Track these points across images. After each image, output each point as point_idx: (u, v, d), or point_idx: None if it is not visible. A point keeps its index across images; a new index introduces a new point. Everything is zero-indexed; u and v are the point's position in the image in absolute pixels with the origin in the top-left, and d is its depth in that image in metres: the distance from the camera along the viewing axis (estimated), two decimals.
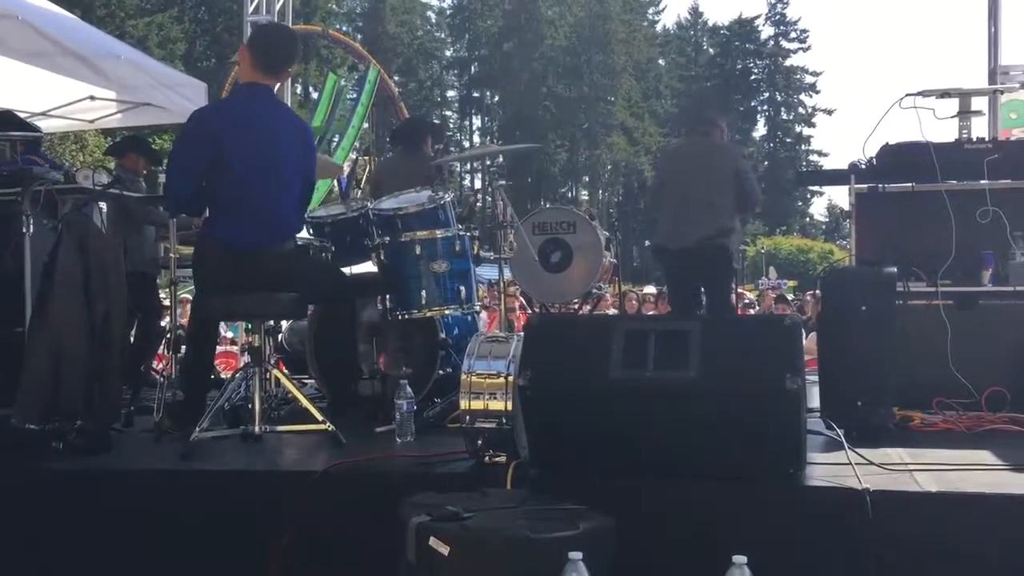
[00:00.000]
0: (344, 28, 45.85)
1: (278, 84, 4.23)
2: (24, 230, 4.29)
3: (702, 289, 6.24)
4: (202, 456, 3.66)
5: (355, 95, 27.52)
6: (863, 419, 3.77)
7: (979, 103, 4.70)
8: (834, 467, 3.19)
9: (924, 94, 4.50)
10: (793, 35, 55.01)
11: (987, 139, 4.51)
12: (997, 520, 2.83)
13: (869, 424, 3.75)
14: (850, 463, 3.16)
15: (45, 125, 6.94)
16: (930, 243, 4.37)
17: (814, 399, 4.08)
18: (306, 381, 5.20)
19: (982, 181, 4.38)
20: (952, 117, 4.57)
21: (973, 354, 4.28)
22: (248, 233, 3.98)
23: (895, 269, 4.08)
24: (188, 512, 3.29)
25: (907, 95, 4.48)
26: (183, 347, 4.56)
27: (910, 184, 4.58)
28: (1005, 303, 4.37)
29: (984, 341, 4.32)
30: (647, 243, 52.69)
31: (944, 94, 4.54)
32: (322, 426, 3.87)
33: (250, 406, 4.04)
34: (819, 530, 2.90)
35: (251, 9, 8.46)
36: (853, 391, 3.84)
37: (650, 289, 18.39)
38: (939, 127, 4.56)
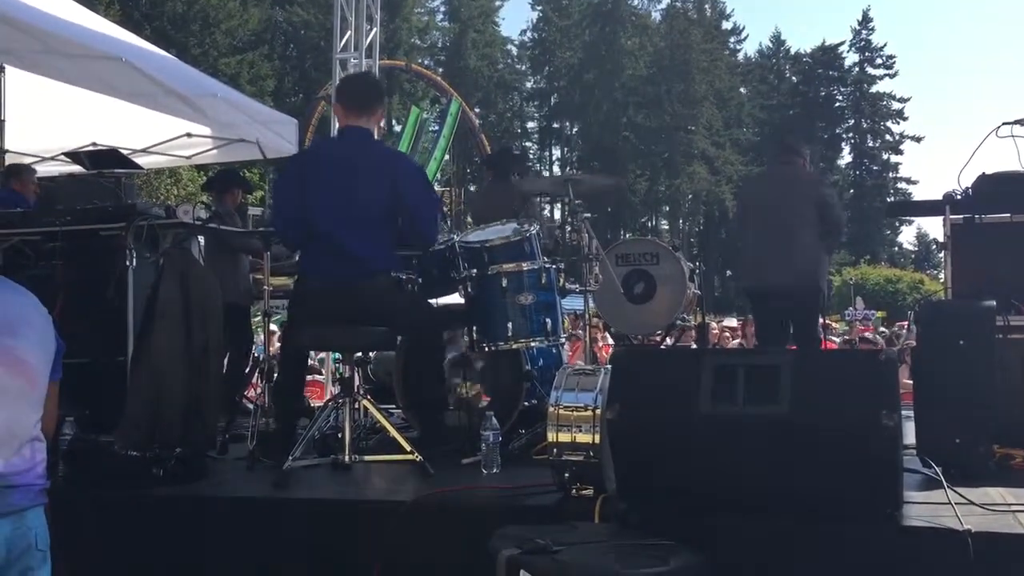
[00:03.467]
0: (426, 62, 46.70)
1: (373, 125, 4.35)
2: (127, 263, 4.47)
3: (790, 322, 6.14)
4: (294, 484, 3.74)
5: (437, 127, 28.03)
6: (961, 457, 3.65)
7: None
8: (933, 507, 3.10)
9: (1022, 123, 4.39)
10: (879, 61, 54.11)
11: None
12: None
13: (968, 462, 3.62)
14: (950, 503, 3.06)
15: (144, 161, 7.26)
16: None
17: (909, 436, 3.97)
18: (393, 412, 5.27)
19: None
20: None
21: None
22: (327, 269, 4.12)
23: (994, 302, 3.96)
24: (280, 539, 3.37)
25: (1004, 123, 4.40)
26: (275, 376, 4.67)
27: (1008, 215, 4.46)
28: None
29: None
30: (728, 273, 52.13)
31: None
32: (410, 456, 3.92)
33: (340, 435, 4.12)
34: (919, 573, 2.82)
35: (340, 46, 8.67)
36: (951, 427, 3.72)
37: (730, 322, 18.15)
38: None
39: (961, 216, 4.52)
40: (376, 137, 4.63)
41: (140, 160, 6.86)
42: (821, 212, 5.93)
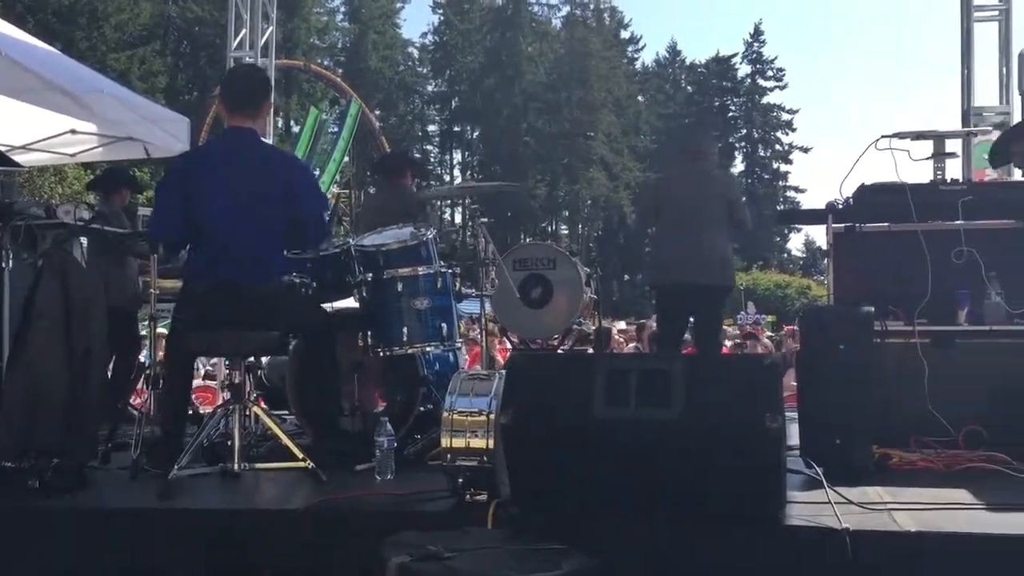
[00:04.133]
0: (326, 62, 46.04)
1: (255, 123, 4.25)
2: (2, 264, 4.27)
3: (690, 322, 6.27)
4: (180, 494, 3.63)
5: (336, 129, 27.72)
6: (842, 457, 3.79)
7: (953, 145, 4.78)
8: (814, 506, 3.21)
9: (899, 136, 4.58)
10: (770, 73, 55.80)
11: (961, 180, 4.59)
12: (975, 560, 2.85)
13: (848, 462, 3.77)
14: (829, 502, 3.18)
15: (26, 159, 6.94)
16: (906, 282, 4.42)
17: (793, 437, 4.10)
18: (286, 417, 5.17)
19: (957, 221, 4.44)
20: (927, 159, 4.65)
21: (950, 392, 4.31)
22: (215, 271, 4.02)
23: (872, 308, 4.13)
24: (166, 553, 3.26)
25: (883, 136, 4.55)
26: (161, 383, 4.53)
27: (886, 224, 4.65)
28: (981, 342, 4.42)
29: (961, 380, 4.36)
30: (627, 278, 52.99)
31: (919, 136, 4.63)
32: (302, 463, 3.85)
33: (229, 443, 4.02)
34: (799, 570, 2.91)
35: (234, 44, 8.48)
36: (832, 429, 3.86)
37: (621, 325, 18.48)
38: (915, 168, 4.64)
39: (843, 225, 4.68)
40: (272, 134, 4.54)
41: (20, 158, 6.55)
42: (731, 211, 6.10)
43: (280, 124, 40.64)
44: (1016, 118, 7.04)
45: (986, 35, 7.66)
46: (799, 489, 3.53)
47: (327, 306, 4.66)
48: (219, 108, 4.34)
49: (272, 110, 8.91)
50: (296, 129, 33.38)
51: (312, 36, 47.17)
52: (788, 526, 3.02)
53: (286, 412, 5.20)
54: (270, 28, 8.74)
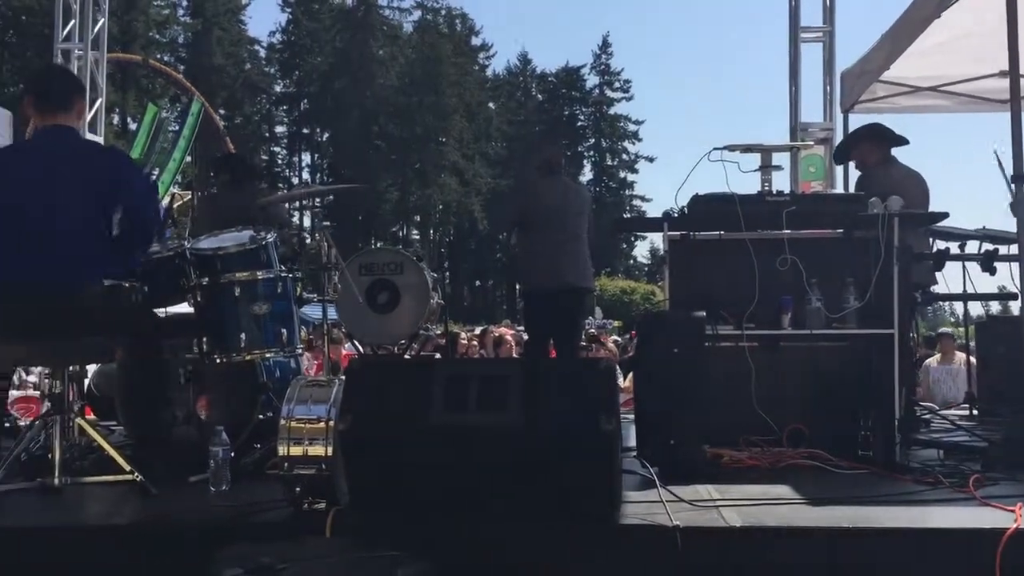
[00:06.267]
0: (166, 58, 44.28)
1: (71, 122, 4.03)
2: None
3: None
4: None
5: (177, 127, 26.69)
6: (676, 458, 3.93)
7: (780, 158, 5.03)
8: (647, 505, 3.31)
9: (730, 148, 4.77)
10: (617, 85, 57.44)
11: (786, 192, 4.83)
12: (795, 551, 3.00)
13: (681, 462, 3.91)
14: (662, 501, 3.29)
15: None
16: (737, 288, 4.61)
17: (631, 439, 4.22)
18: (115, 428, 4.92)
19: (782, 231, 4.68)
20: (756, 170, 4.87)
21: (775, 393, 4.55)
22: (30, 275, 3.76)
23: (704, 313, 4.29)
24: None
25: (714, 149, 4.73)
26: None
27: (719, 232, 4.84)
28: (802, 345, 4.68)
29: (785, 381, 4.61)
30: (478, 283, 53.35)
31: (748, 149, 4.84)
32: (129, 476, 3.67)
33: (49, 456, 3.78)
34: (633, 567, 3.00)
35: (63, 35, 8.04)
36: (666, 430, 4.00)
37: (506, 330, 18.55)
38: (745, 179, 4.86)
39: (678, 233, 4.86)
40: (108, 132, 4.31)
41: None
42: (589, 222, 6.60)
43: (116, 121, 38.85)
44: (839, 134, 7.50)
45: (812, 55, 8.15)
46: (634, 489, 3.63)
47: (160, 311, 4.47)
48: (26, 110, 4.07)
49: (104, 106, 8.53)
50: (133, 126, 31.92)
51: (152, 30, 45.29)
52: (622, 525, 3.10)
53: (115, 423, 4.95)
54: (103, 19, 8.33)
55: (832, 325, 4.51)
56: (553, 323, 6.53)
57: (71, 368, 4.01)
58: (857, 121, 6.74)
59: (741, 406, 4.52)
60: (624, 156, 57.70)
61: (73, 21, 8.01)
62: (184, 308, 4.61)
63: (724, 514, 3.22)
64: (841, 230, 4.83)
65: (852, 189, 5.82)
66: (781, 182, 5.03)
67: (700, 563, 2.98)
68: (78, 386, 4.25)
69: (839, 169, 7.28)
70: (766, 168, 4.87)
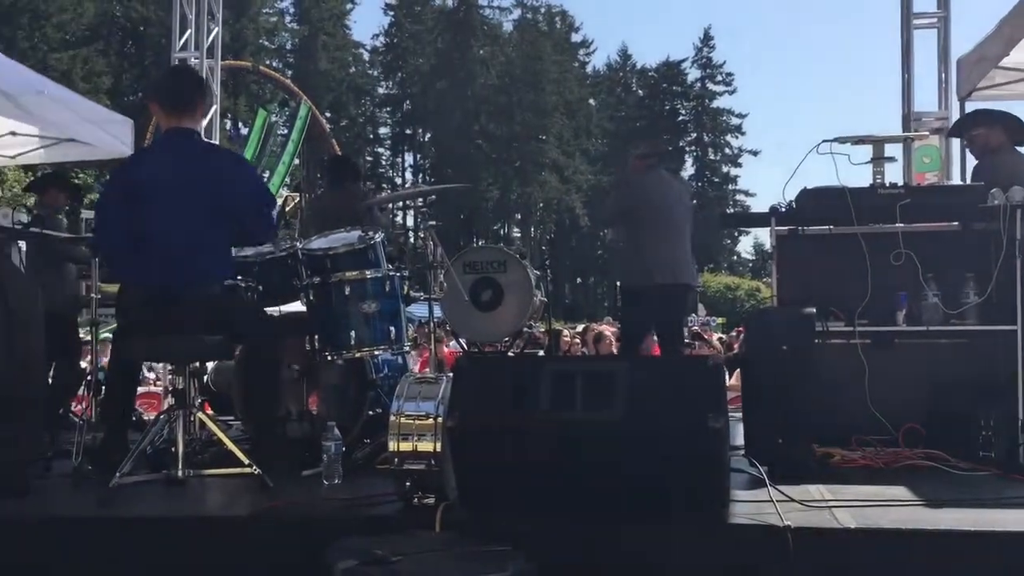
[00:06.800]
0: (275, 64, 45.61)
1: (194, 124, 4.18)
2: None
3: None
4: (122, 502, 3.57)
5: (286, 131, 27.47)
6: (785, 456, 3.85)
7: (893, 149, 4.88)
8: (757, 504, 3.26)
9: (840, 140, 4.66)
10: (719, 78, 56.44)
11: (900, 184, 4.68)
12: (913, 555, 2.91)
13: (790, 461, 3.83)
14: (772, 500, 3.23)
15: None
16: (847, 284, 4.50)
17: (738, 437, 4.16)
18: (232, 423, 5.11)
19: (896, 224, 4.54)
20: (867, 163, 4.74)
21: (889, 392, 4.42)
22: (157, 276, 3.94)
23: (814, 309, 4.20)
24: (107, 561, 3.21)
25: (823, 141, 4.62)
26: (104, 389, 4.45)
27: (828, 227, 4.73)
28: (919, 342, 4.53)
29: (900, 379, 4.47)
30: (578, 281, 53.25)
31: (859, 140, 4.71)
32: (248, 469, 3.81)
33: (173, 449, 3.96)
34: (743, 567, 2.95)
35: (179, 44, 8.36)
36: (775, 429, 3.93)
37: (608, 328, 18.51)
38: (856, 171, 4.73)
39: (786, 228, 4.76)
40: (221, 136, 4.48)
41: None
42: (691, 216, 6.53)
43: (228, 126, 40.19)
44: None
45: (926, 42, 7.85)
46: (743, 488, 3.58)
47: (274, 310, 4.62)
48: (153, 109, 4.22)
49: (218, 112, 8.85)
50: (245, 131, 32.99)
51: (261, 37, 46.75)
52: (732, 524, 3.07)
53: (232, 418, 5.14)
54: (216, 28, 8.64)
55: (950, 322, 4.36)
56: (657, 320, 6.44)
57: (192, 365, 4.18)
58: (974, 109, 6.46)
59: (852, 405, 4.42)
60: (727, 150, 56.67)
61: (189, 30, 8.31)
62: (297, 307, 4.74)
63: (837, 515, 3.15)
64: (958, 223, 4.65)
65: (969, 180, 5.59)
66: (894, 174, 4.89)
67: (812, 565, 2.92)
68: (199, 382, 4.43)
69: (956, 160, 7.00)
70: (878, 160, 4.74)
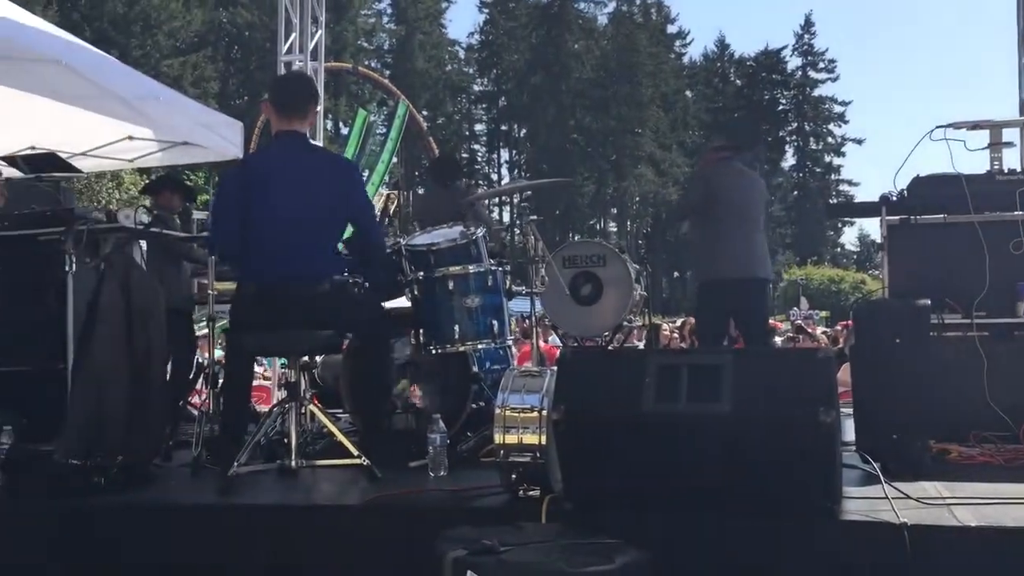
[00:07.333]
0: (373, 64, 46.46)
1: (303, 126, 4.30)
2: (67, 269, 4.39)
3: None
4: (240, 490, 3.71)
5: (384, 130, 27.92)
6: (899, 452, 3.74)
7: (1010, 134, 4.70)
8: (871, 501, 3.17)
9: (955, 126, 4.51)
10: (821, 65, 55.08)
11: (1019, 170, 4.49)
12: None
13: (905, 457, 3.72)
14: (887, 497, 3.14)
15: (85, 165, 7.11)
16: (963, 275, 4.36)
17: (849, 432, 4.06)
18: (340, 416, 5.24)
19: (1016, 212, 4.36)
20: (983, 149, 4.57)
21: (1010, 386, 4.24)
22: (271, 273, 4.07)
23: (928, 301, 4.07)
24: (227, 546, 3.34)
25: (937, 127, 4.49)
26: (220, 382, 4.62)
27: (942, 216, 4.57)
28: None
29: (1020, 373, 4.28)
30: (676, 274, 52.64)
31: (975, 126, 4.55)
32: (357, 460, 3.91)
33: (286, 440, 4.09)
34: (857, 565, 2.89)
35: (284, 48, 8.59)
36: (888, 424, 3.81)
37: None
38: (970, 158, 4.57)
39: (897, 217, 4.62)
40: (322, 137, 4.60)
41: (80, 164, 6.72)
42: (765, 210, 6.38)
43: (329, 126, 41.12)
44: None
45: None
46: (855, 484, 3.49)
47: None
48: (267, 113, 4.38)
49: (321, 113, 9.07)
50: (345, 131, 33.72)
51: (360, 38, 47.69)
52: (845, 521, 3.00)
53: (339, 410, 5.27)
54: (319, 31, 8.83)
55: None
56: (736, 315, 6.30)
57: (303, 359, 4.31)
58: None
59: (969, 399, 4.25)
60: (829, 139, 55.31)
61: (294, 34, 8.53)
62: (402, 302, 4.83)
63: (956, 513, 3.04)
64: None
65: None
66: (1012, 159, 4.71)
67: (929, 564, 2.83)
68: (309, 376, 4.56)
69: None
70: (995, 145, 4.57)
